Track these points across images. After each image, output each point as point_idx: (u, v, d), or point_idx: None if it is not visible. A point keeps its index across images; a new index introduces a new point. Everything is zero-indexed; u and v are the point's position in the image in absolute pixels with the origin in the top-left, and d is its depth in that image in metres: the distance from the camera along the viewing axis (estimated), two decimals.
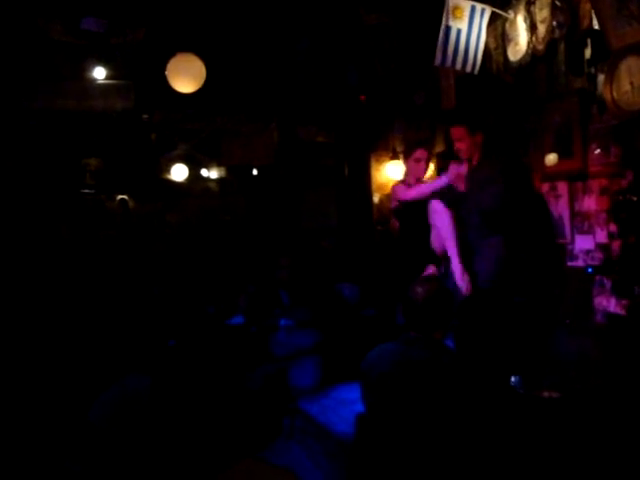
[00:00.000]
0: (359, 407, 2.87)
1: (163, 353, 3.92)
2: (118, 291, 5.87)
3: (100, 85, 6.46)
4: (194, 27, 5.88)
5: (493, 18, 4.29)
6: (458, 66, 4.23)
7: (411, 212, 4.64)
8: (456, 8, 4.09)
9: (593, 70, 3.64)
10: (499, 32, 4.42)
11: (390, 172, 6.43)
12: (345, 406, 3.79)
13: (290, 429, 3.96)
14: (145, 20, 6.00)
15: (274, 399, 4.00)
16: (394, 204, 4.95)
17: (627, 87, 3.26)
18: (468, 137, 4.07)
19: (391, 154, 6.40)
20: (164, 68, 5.42)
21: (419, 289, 2.57)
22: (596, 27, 3.41)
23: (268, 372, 4.14)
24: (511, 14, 4.24)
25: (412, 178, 4.90)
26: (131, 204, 8.08)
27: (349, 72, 6.63)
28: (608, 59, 3.38)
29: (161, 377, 3.19)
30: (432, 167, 5.90)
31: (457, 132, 4.13)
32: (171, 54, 5.46)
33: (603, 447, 1.91)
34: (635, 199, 3.35)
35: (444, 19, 4.08)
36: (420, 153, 4.87)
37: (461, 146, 4.11)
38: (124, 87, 6.51)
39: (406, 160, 5.17)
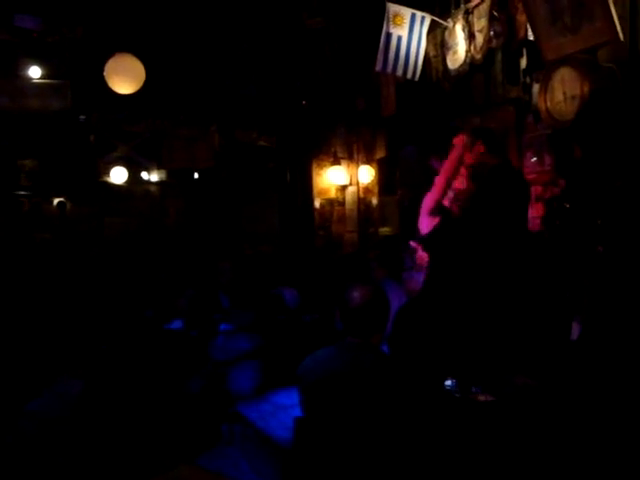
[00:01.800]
0: (298, 411, 2.86)
1: (96, 356, 3.83)
2: (52, 294, 5.72)
3: (35, 84, 6.30)
4: (134, 28, 5.78)
5: (433, 26, 4.36)
6: (399, 72, 4.28)
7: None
8: (396, 15, 4.14)
9: (528, 80, 3.74)
10: (438, 40, 4.49)
11: (332, 177, 6.46)
12: (284, 411, 3.77)
13: (229, 434, 3.92)
14: (83, 19, 5.88)
15: (213, 404, 3.95)
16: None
17: (560, 97, 3.35)
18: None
19: (332, 159, 6.43)
20: (103, 68, 5.31)
21: (355, 294, 2.57)
22: (532, 38, 3.49)
23: (207, 376, 4.09)
24: (450, 23, 4.31)
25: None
26: (69, 207, 7.89)
27: (290, 76, 6.63)
28: (543, 69, 3.47)
29: (94, 381, 3.11)
30: (373, 173, 5.97)
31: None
32: (110, 54, 5.36)
33: (538, 449, 1.95)
34: (568, 206, 3.45)
35: (385, 26, 4.14)
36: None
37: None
38: (60, 87, 6.36)
39: None
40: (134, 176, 8.10)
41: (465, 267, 3.39)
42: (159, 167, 8.12)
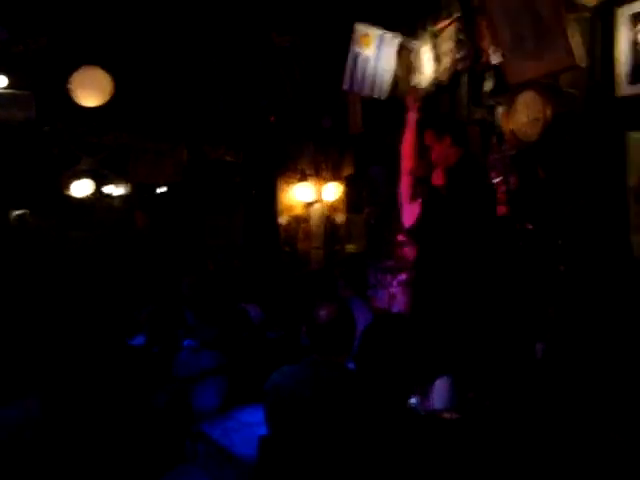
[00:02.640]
0: (262, 429, 2.85)
1: (56, 374, 3.76)
2: (11, 309, 5.60)
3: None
4: (101, 40, 5.74)
5: (400, 47, 4.41)
6: (366, 92, 4.32)
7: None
8: (364, 35, 4.19)
9: (493, 102, 3.81)
10: (405, 61, 4.56)
11: (298, 194, 6.47)
12: (248, 428, 3.75)
13: (192, 453, 3.88)
14: (48, 30, 5.81)
15: (175, 422, 3.91)
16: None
17: (524, 119, 3.43)
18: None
19: (299, 176, 6.44)
20: (68, 79, 5.26)
21: (323, 312, 2.59)
22: (496, 61, 3.57)
23: (170, 393, 4.04)
24: (417, 45, 4.38)
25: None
26: (30, 220, 7.75)
27: (259, 92, 6.64)
28: (507, 92, 3.55)
29: (52, 399, 3.05)
30: (340, 190, 6.00)
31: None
32: (76, 65, 5.31)
33: (502, 466, 1.97)
34: (531, 227, 3.51)
35: (352, 45, 4.18)
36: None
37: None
38: (24, 97, 6.26)
39: None
40: (98, 189, 8.01)
41: (452, 264, 3.42)
42: (125, 181, 8.04)
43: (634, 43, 2.94)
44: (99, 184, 7.93)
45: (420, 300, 3.62)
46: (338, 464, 1.89)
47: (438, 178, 3.66)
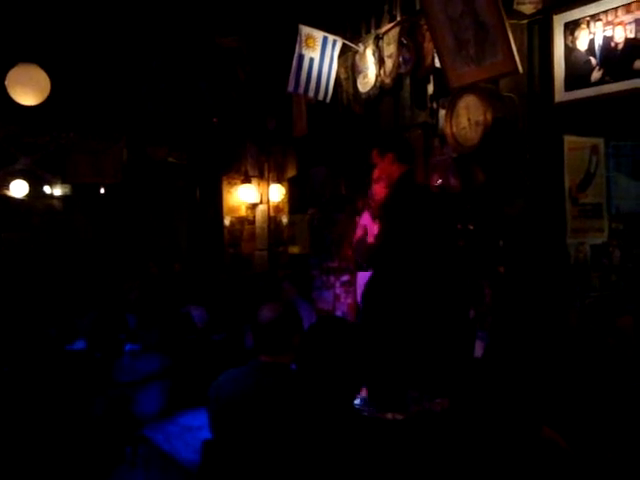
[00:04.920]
0: (206, 433, 2.81)
1: None
2: None
3: None
4: (38, 37, 5.59)
5: (344, 50, 4.45)
6: (310, 94, 4.33)
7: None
8: (309, 37, 4.20)
9: (435, 105, 3.87)
10: (350, 63, 4.59)
11: (242, 195, 6.44)
12: (191, 432, 3.70)
13: (132, 458, 3.81)
14: None
15: (116, 427, 3.83)
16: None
17: (465, 123, 3.49)
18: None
19: (243, 177, 6.42)
20: (3, 78, 5.11)
21: (266, 311, 2.58)
22: (438, 65, 3.62)
23: (110, 399, 3.96)
24: (361, 47, 4.41)
25: None
26: None
27: (202, 93, 6.58)
28: (449, 96, 3.61)
29: None
30: (283, 192, 6.00)
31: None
32: (12, 63, 5.15)
33: (445, 467, 1.99)
34: (472, 228, 3.57)
35: (297, 47, 4.18)
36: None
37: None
38: None
39: None
40: (35, 190, 7.80)
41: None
42: (63, 181, 7.85)
43: (570, 50, 3.03)
44: (36, 185, 7.72)
45: (371, 302, 3.64)
46: (281, 467, 1.88)
47: (380, 192, 3.67)
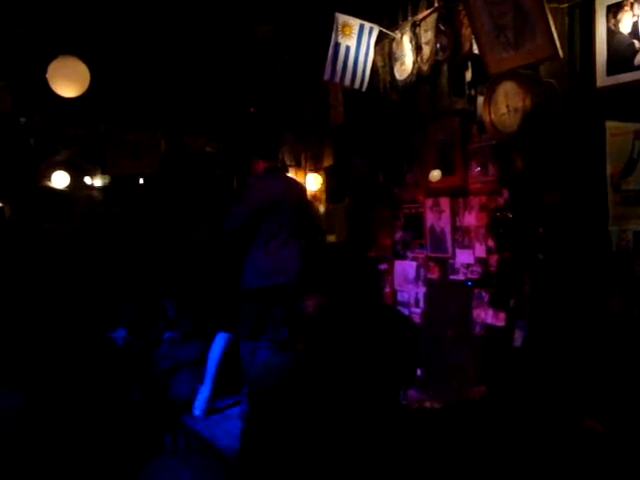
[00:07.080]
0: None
1: (39, 367, 3.73)
2: None
3: None
4: (79, 29, 5.66)
5: (381, 37, 4.41)
6: (346, 82, 4.31)
7: None
8: (345, 26, 4.17)
9: (473, 92, 3.82)
10: (386, 51, 4.55)
11: None
12: (231, 420, 3.74)
13: (172, 445, 3.87)
14: (24, 18, 5.72)
15: (155, 414, 3.89)
16: None
17: (504, 110, 3.44)
18: None
19: (280, 166, 6.42)
20: (45, 70, 5.19)
21: (310, 303, 2.59)
22: (476, 52, 3.58)
23: (150, 386, 4.03)
24: (398, 34, 4.37)
25: None
26: (7, 212, 7.64)
27: (239, 83, 6.60)
28: (487, 82, 3.56)
29: (36, 391, 3.03)
30: (320, 181, 6.00)
31: None
32: (53, 55, 5.23)
33: (484, 458, 1.98)
34: (511, 216, 3.53)
35: (333, 36, 4.16)
36: None
37: None
38: (0, 88, 6.17)
39: None
40: (76, 181, 7.92)
41: None
42: (103, 172, 7.96)
43: (612, 34, 2.96)
44: (77, 176, 7.84)
45: None
46: (322, 457, 1.89)
47: None
